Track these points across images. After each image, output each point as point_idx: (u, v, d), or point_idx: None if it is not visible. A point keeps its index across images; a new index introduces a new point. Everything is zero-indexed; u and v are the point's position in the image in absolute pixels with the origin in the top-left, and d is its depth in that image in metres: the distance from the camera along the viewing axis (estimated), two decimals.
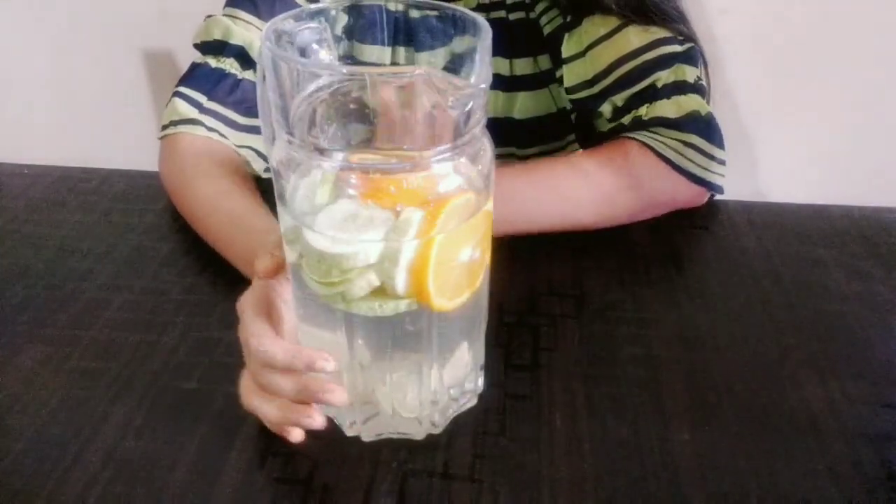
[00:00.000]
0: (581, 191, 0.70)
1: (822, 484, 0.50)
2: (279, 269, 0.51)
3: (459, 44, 0.48)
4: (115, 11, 1.33)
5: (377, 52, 0.78)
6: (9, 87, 1.41)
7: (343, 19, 0.76)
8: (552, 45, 0.82)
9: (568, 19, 0.79)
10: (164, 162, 0.79)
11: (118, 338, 0.62)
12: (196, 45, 0.82)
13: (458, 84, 0.42)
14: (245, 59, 0.79)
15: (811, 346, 0.61)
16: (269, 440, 0.53)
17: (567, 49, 0.79)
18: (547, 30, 0.82)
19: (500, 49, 0.83)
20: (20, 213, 0.78)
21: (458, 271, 0.47)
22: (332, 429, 0.53)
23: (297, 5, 0.79)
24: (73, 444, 0.53)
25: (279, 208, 0.48)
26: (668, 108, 0.75)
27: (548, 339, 0.61)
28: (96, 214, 0.78)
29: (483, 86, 0.43)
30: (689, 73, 0.75)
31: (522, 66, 0.85)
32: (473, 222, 0.47)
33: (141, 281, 0.68)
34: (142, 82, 1.41)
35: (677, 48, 0.75)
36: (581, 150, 0.75)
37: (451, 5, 0.48)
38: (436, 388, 0.51)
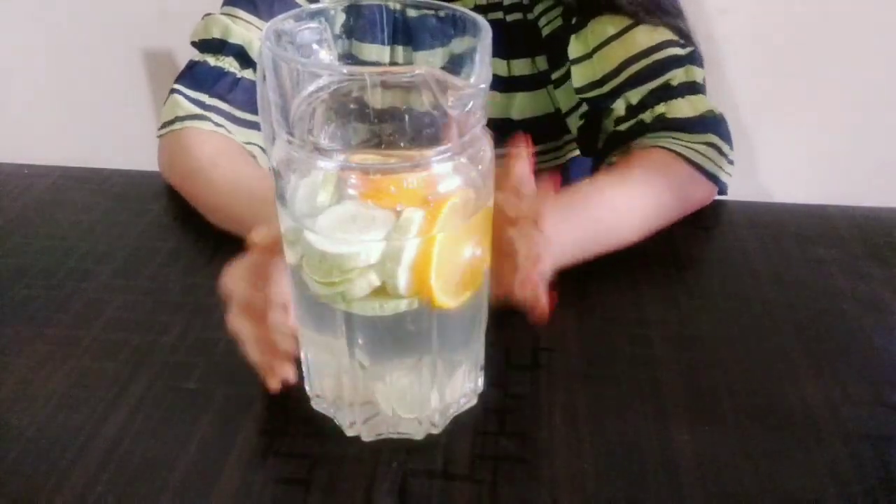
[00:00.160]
0: (633, 211, 0.70)
1: (822, 484, 0.50)
2: (271, 244, 0.52)
3: (459, 44, 0.48)
4: (115, 11, 1.33)
5: (376, 52, 0.78)
6: (9, 87, 1.41)
7: (342, 18, 0.76)
8: (551, 46, 0.83)
9: (573, 21, 0.79)
10: (169, 156, 0.79)
11: (118, 338, 0.62)
12: (194, 43, 0.81)
13: (458, 84, 0.42)
14: (244, 59, 0.79)
15: (811, 346, 0.61)
16: (269, 440, 0.53)
17: (574, 50, 0.79)
18: (546, 31, 0.82)
19: (497, 50, 0.82)
20: (20, 213, 0.78)
21: (460, 270, 0.47)
22: (332, 429, 0.53)
23: (297, 5, 0.80)
24: (73, 444, 0.53)
25: (279, 209, 0.48)
26: (684, 107, 0.75)
27: (548, 339, 0.61)
28: (96, 214, 0.78)
29: (483, 86, 0.43)
30: (698, 74, 0.77)
31: (520, 67, 0.86)
32: (475, 220, 0.47)
33: (141, 281, 0.68)
34: (142, 82, 1.41)
35: (682, 51, 0.76)
36: (617, 167, 0.74)
37: (451, 5, 0.48)
38: (435, 389, 0.51)
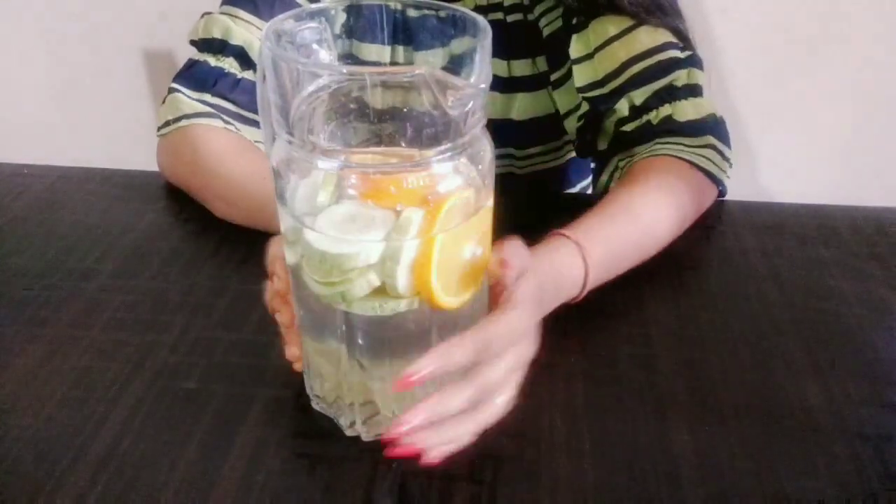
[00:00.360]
0: (659, 224, 0.69)
1: (822, 484, 0.50)
2: None
3: (459, 44, 0.48)
4: (115, 11, 1.33)
5: (376, 52, 0.78)
6: (9, 87, 1.41)
7: (342, 18, 0.76)
8: (551, 46, 0.83)
9: (574, 21, 0.79)
10: (175, 154, 0.78)
11: (118, 338, 0.62)
12: (193, 42, 0.81)
13: (459, 84, 0.42)
14: (244, 60, 0.79)
15: (811, 346, 0.61)
16: (269, 440, 0.53)
17: (575, 50, 0.79)
18: (546, 31, 0.82)
19: (497, 50, 0.82)
20: (20, 213, 0.78)
21: (462, 269, 0.47)
22: (332, 429, 0.53)
23: (298, 5, 0.80)
24: (73, 444, 0.53)
25: (279, 209, 0.48)
26: (688, 109, 0.75)
27: (548, 339, 0.61)
28: (96, 214, 0.78)
29: (483, 86, 0.43)
30: (700, 77, 0.77)
31: (520, 68, 0.86)
32: (475, 220, 0.47)
33: (141, 281, 0.68)
34: (142, 82, 1.41)
35: (681, 54, 0.76)
36: (636, 179, 0.72)
37: (451, 5, 0.48)
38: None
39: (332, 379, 0.52)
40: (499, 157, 0.92)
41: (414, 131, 0.46)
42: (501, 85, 0.86)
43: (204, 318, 0.64)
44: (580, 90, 0.80)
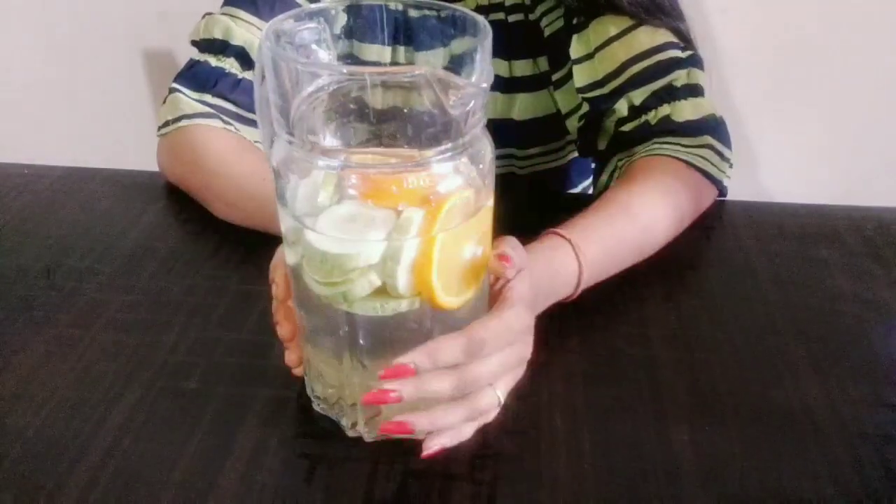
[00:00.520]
0: (656, 224, 0.69)
1: (822, 484, 0.50)
2: None
3: (459, 44, 0.48)
4: (115, 11, 1.33)
5: (377, 52, 0.78)
6: (9, 87, 1.41)
7: (343, 18, 0.76)
8: (552, 47, 0.83)
9: (574, 21, 0.79)
10: (175, 154, 0.79)
11: (118, 338, 0.62)
12: (194, 42, 0.81)
13: (460, 83, 0.42)
14: (245, 60, 0.79)
15: (811, 346, 0.61)
16: (269, 440, 0.53)
17: (575, 50, 0.79)
18: (547, 32, 0.82)
19: (498, 51, 0.83)
20: (20, 213, 0.78)
21: (462, 269, 0.47)
22: (332, 429, 0.53)
23: (298, 5, 0.80)
24: (73, 444, 0.53)
25: (280, 209, 0.48)
26: (687, 109, 0.75)
27: (548, 339, 0.61)
28: (96, 214, 0.78)
29: (484, 85, 0.43)
30: (700, 77, 0.77)
31: (521, 68, 0.86)
32: (475, 220, 0.47)
33: (141, 281, 0.68)
34: (142, 82, 1.41)
35: (682, 53, 0.76)
36: (632, 179, 0.72)
37: (452, 5, 0.48)
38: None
39: (333, 380, 0.52)
40: (500, 157, 0.92)
41: (414, 131, 0.46)
42: (502, 85, 0.86)
43: (204, 318, 0.64)
44: (580, 90, 0.80)
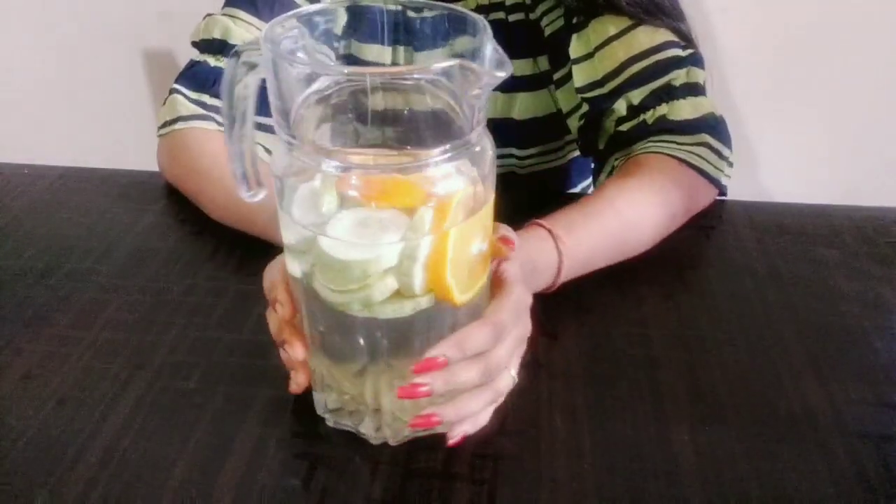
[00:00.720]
0: (643, 220, 0.70)
1: (822, 484, 0.50)
2: None
3: (459, 44, 0.48)
4: (116, 11, 1.33)
5: (377, 52, 0.78)
6: (9, 87, 1.41)
7: (343, 19, 0.76)
8: (553, 46, 0.83)
9: (574, 21, 0.79)
10: (171, 155, 0.79)
11: (118, 338, 0.62)
12: (195, 43, 0.82)
13: (488, 72, 0.42)
14: None
15: (811, 346, 0.61)
16: (269, 440, 0.53)
17: (575, 50, 0.79)
18: (548, 31, 0.82)
19: None
20: (20, 213, 0.78)
21: (470, 264, 0.48)
22: (332, 429, 0.53)
23: (297, 6, 0.80)
24: (73, 444, 0.53)
25: (284, 220, 0.48)
26: (686, 108, 0.75)
27: (548, 340, 0.61)
28: (96, 214, 0.78)
29: (503, 74, 0.43)
30: (700, 76, 0.77)
31: (521, 67, 0.86)
32: (480, 216, 0.47)
33: (141, 281, 0.68)
34: (142, 82, 1.41)
35: (682, 52, 0.76)
36: (625, 175, 0.73)
37: (450, 5, 0.48)
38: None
39: (351, 388, 0.51)
40: (500, 156, 0.92)
41: (416, 132, 0.46)
42: (503, 84, 0.86)
43: (204, 318, 0.64)
44: (579, 90, 0.80)
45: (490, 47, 0.44)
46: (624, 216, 0.69)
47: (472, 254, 0.47)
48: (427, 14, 0.50)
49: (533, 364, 0.59)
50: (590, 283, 0.67)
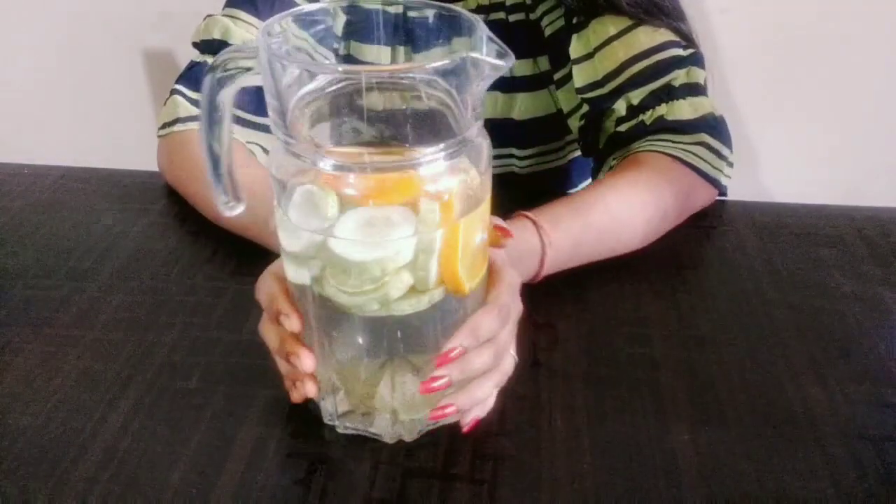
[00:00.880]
0: (635, 217, 0.70)
1: (822, 484, 0.50)
2: None
3: (457, 44, 0.48)
4: (116, 11, 1.33)
5: (376, 52, 0.78)
6: (9, 87, 1.41)
7: (342, 19, 0.76)
8: (553, 46, 0.83)
9: (574, 21, 0.79)
10: (170, 157, 0.79)
11: (118, 338, 0.62)
12: (195, 44, 0.82)
13: (493, 62, 0.42)
14: None
15: (811, 346, 0.61)
16: (269, 440, 0.53)
17: (575, 50, 0.79)
18: (548, 31, 0.82)
19: None
20: (20, 213, 0.78)
21: (475, 254, 0.48)
22: (332, 429, 0.53)
23: (297, 5, 0.80)
24: (73, 444, 0.53)
25: (287, 229, 0.47)
26: (685, 108, 0.75)
27: (548, 339, 0.61)
28: (96, 214, 0.78)
29: (504, 63, 0.43)
30: (700, 76, 0.77)
31: (522, 68, 0.86)
32: (481, 208, 0.48)
33: (141, 281, 0.68)
34: (142, 82, 1.41)
35: (683, 52, 0.76)
36: (617, 172, 0.74)
37: (445, 4, 0.48)
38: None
39: (363, 388, 0.51)
40: (500, 156, 0.92)
41: (413, 130, 0.46)
42: (503, 84, 0.86)
43: (204, 318, 0.64)
44: (579, 91, 0.80)
45: (486, 43, 0.44)
46: (613, 212, 0.69)
47: (476, 244, 0.48)
48: (425, 14, 0.50)
49: (533, 364, 0.59)
50: (590, 283, 0.67)
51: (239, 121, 0.78)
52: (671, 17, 0.77)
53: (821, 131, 1.29)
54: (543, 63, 0.85)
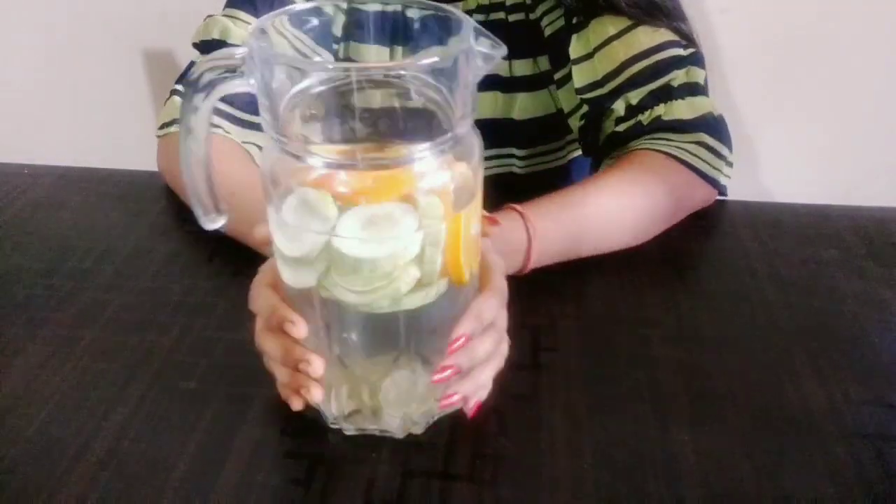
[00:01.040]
0: (624, 213, 0.70)
1: (822, 484, 0.50)
2: None
3: (452, 43, 0.48)
4: (116, 11, 1.33)
5: (375, 52, 0.78)
6: (9, 87, 1.41)
7: (341, 20, 0.76)
8: (553, 46, 0.83)
9: (574, 21, 0.79)
10: (167, 158, 0.79)
11: (118, 338, 0.62)
12: (195, 45, 0.82)
13: (488, 51, 0.43)
14: None
15: (811, 346, 0.61)
16: (269, 440, 0.53)
17: (575, 50, 0.79)
18: (548, 31, 0.83)
19: None
20: (20, 213, 0.78)
21: (472, 244, 0.49)
22: (332, 429, 0.53)
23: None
24: (73, 444, 0.53)
25: (287, 235, 0.47)
26: (683, 108, 0.75)
27: (548, 340, 0.61)
28: (96, 214, 0.78)
29: (499, 53, 0.44)
30: (700, 76, 0.77)
31: (522, 68, 0.86)
32: (478, 199, 0.48)
33: (141, 281, 0.68)
34: (142, 82, 1.41)
35: (683, 51, 0.76)
36: (610, 169, 0.74)
37: (437, 4, 0.48)
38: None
39: (374, 386, 0.51)
40: (500, 156, 0.92)
41: (406, 127, 0.46)
42: (503, 84, 0.86)
43: (204, 318, 0.64)
44: (578, 91, 0.80)
45: (474, 40, 0.44)
46: (602, 207, 0.69)
47: (473, 234, 0.49)
48: (421, 14, 0.51)
49: (533, 364, 0.59)
50: (590, 283, 0.67)
51: (235, 120, 0.78)
52: (671, 18, 0.77)
53: (821, 131, 1.29)
54: (543, 63, 0.85)
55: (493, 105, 0.87)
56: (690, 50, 0.77)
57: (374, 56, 0.79)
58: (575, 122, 0.86)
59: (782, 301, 0.66)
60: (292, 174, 0.46)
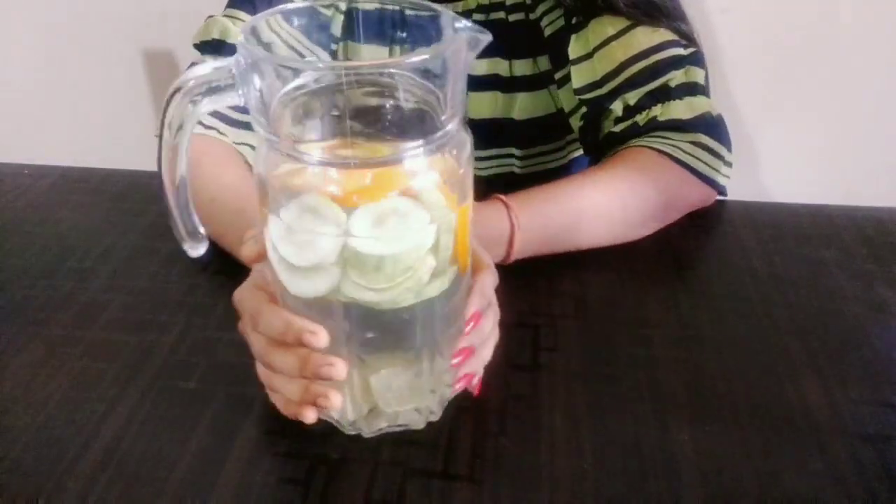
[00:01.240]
0: (612, 208, 0.70)
1: (822, 484, 0.50)
2: (263, 253, 0.50)
3: (443, 40, 0.48)
4: (115, 11, 1.33)
5: (374, 52, 0.78)
6: (9, 87, 1.41)
7: (340, 20, 0.76)
8: (553, 46, 0.83)
9: (573, 21, 0.79)
10: None
11: (118, 338, 0.62)
12: (196, 45, 0.82)
13: (482, 38, 0.44)
14: None
15: (811, 346, 0.61)
16: (269, 440, 0.53)
17: (574, 50, 0.79)
18: (548, 31, 0.82)
19: (499, 50, 0.83)
20: (20, 213, 0.78)
21: (468, 234, 0.50)
22: (332, 429, 0.53)
23: None
24: (73, 444, 0.53)
25: (299, 243, 0.46)
26: (681, 108, 0.75)
27: (548, 339, 0.61)
28: (96, 214, 0.78)
29: (484, 38, 0.44)
30: (699, 75, 0.77)
31: (522, 67, 0.86)
32: (473, 191, 0.49)
33: (141, 281, 0.68)
34: (142, 82, 1.41)
35: (684, 51, 0.76)
36: (601, 165, 0.74)
37: (428, 4, 0.48)
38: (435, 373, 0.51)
39: (403, 379, 0.51)
40: (500, 156, 0.92)
41: (398, 124, 0.46)
42: (502, 84, 0.86)
43: (204, 318, 0.64)
44: (577, 92, 0.80)
45: (454, 31, 0.44)
46: (589, 200, 0.69)
47: (470, 221, 0.50)
48: (416, 13, 0.51)
49: (533, 364, 0.59)
50: (590, 283, 0.67)
51: (230, 121, 0.78)
52: (670, 18, 0.77)
53: (821, 131, 1.29)
54: (543, 63, 0.85)
55: (493, 105, 0.87)
56: (690, 49, 0.77)
57: (374, 56, 0.79)
58: (576, 122, 0.86)
59: (782, 301, 0.66)
60: (286, 174, 0.46)
